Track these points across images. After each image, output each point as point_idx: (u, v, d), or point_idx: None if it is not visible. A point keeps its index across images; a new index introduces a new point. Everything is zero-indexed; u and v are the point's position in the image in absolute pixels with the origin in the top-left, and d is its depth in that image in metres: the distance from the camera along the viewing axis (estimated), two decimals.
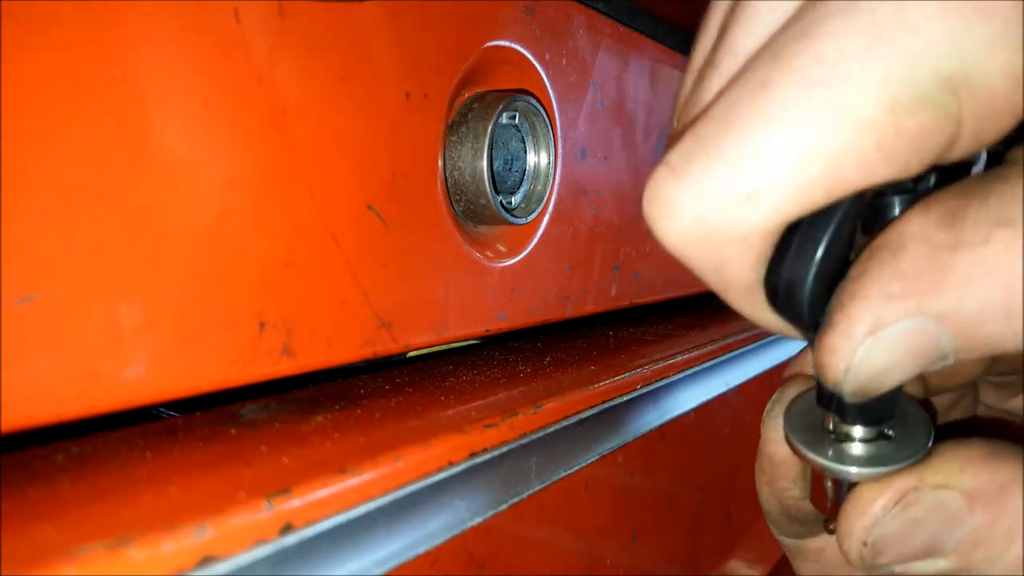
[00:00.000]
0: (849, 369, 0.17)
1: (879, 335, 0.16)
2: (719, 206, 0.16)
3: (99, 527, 0.20)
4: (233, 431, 0.28)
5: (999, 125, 0.16)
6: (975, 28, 0.14)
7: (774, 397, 0.26)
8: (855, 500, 0.20)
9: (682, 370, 0.49)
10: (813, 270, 0.17)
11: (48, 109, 0.20)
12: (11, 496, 0.21)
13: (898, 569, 0.20)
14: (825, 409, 0.22)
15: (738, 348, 0.58)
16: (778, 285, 0.18)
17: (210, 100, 0.24)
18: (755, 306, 0.19)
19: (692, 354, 0.50)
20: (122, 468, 0.24)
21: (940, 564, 0.20)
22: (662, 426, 0.47)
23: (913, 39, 0.14)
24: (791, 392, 0.25)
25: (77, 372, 0.22)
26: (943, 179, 0.18)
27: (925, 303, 0.16)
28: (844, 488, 0.22)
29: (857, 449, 0.21)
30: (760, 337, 0.62)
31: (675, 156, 0.17)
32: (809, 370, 0.27)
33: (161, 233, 0.23)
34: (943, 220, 0.16)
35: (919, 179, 0.18)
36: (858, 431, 0.21)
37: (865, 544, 0.20)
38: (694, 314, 0.65)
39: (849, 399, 0.18)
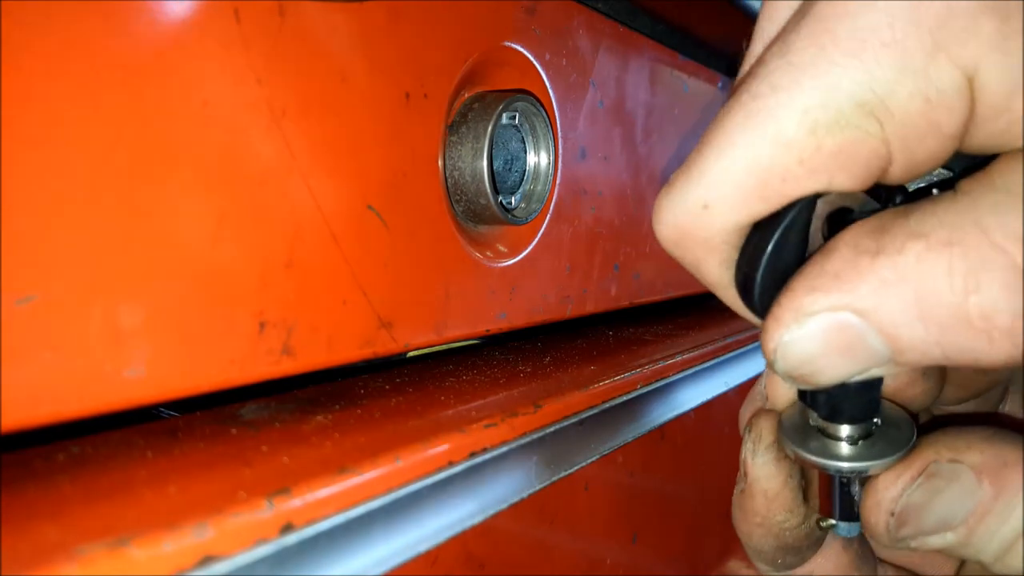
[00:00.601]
0: (776, 350, 0.19)
1: (802, 322, 0.18)
2: (686, 214, 0.20)
3: (99, 527, 0.20)
4: (233, 431, 0.28)
5: (927, 146, 0.18)
6: (882, 61, 0.17)
7: (751, 438, 0.26)
8: (883, 478, 0.22)
9: (682, 370, 0.49)
10: (763, 266, 0.20)
11: (48, 109, 0.20)
12: (11, 496, 0.21)
13: (913, 544, 0.22)
14: (808, 407, 0.23)
15: (738, 348, 0.58)
16: (739, 280, 0.21)
17: (210, 100, 0.24)
18: (733, 301, 0.22)
19: (692, 354, 0.50)
20: (122, 468, 0.24)
21: (948, 537, 0.21)
22: (662, 426, 0.47)
23: (830, 72, 0.18)
24: (766, 427, 0.26)
25: (77, 372, 0.22)
26: (908, 202, 0.20)
27: (842, 299, 0.18)
28: (859, 483, 0.23)
29: (863, 446, 0.23)
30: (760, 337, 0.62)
31: (673, 175, 0.20)
32: (760, 402, 0.28)
33: (161, 233, 0.23)
34: (873, 231, 0.18)
35: (887, 200, 0.20)
36: (848, 430, 0.23)
37: (892, 514, 0.22)
38: (694, 314, 0.65)
39: (787, 382, 0.20)
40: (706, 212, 0.19)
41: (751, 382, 0.60)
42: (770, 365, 0.20)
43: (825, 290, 0.18)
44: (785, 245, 0.20)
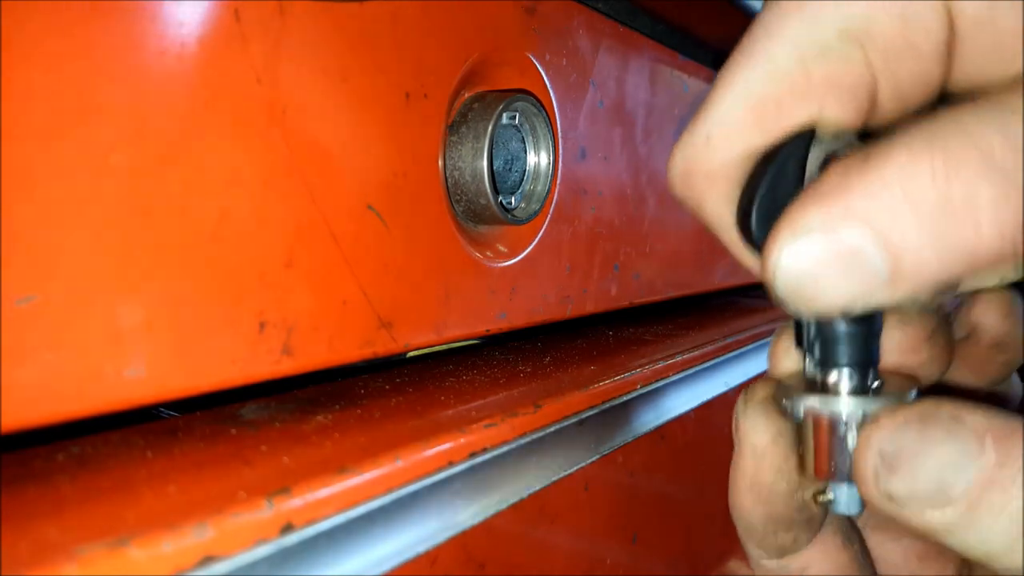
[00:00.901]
0: (775, 270, 0.19)
1: (799, 238, 0.19)
2: (691, 150, 0.21)
3: (99, 527, 0.20)
4: (233, 431, 0.28)
5: (909, 69, 0.20)
6: None
7: (743, 397, 0.26)
8: (877, 417, 0.21)
9: (682, 370, 0.49)
10: (760, 195, 0.21)
11: (48, 109, 0.20)
12: (11, 496, 0.22)
13: (907, 513, 0.20)
14: (807, 352, 0.23)
15: (738, 348, 0.58)
16: (738, 215, 0.21)
17: (210, 100, 0.24)
18: (734, 243, 0.22)
19: (692, 354, 0.50)
20: (122, 468, 0.24)
21: (948, 514, 0.20)
22: (662, 426, 0.47)
23: (815, 6, 0.19)
24: (759, 385, 0.26)
25: (77, 372, 0.22)
26: None
27: (836, 212, 0.18)
28: (853, 436, 0.22)
29: (861, 400, 0.22)
30: (760, 337, 0.62)
31: None
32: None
33: (161, 233, 0.23)
34: (862, 151, 0.19)
35: None
36: (846, 381, 0.22)
37: (881, 456, 0.20)
38: (694, 314, 0.65)
39: (789, 306, 0.20)
40: (708, 145, 0.21)
41: (751, 382, 0.60)
42: (770, 289, 0.20)
43: (819, 206, 0.18)
44: (782, 177, 0.20)
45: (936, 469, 0.20)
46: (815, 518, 0.27)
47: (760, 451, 0.25)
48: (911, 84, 0.20)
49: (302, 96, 0.27)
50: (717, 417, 0.59)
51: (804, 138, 0.20)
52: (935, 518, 0.20)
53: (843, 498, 0.23)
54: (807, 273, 0.19)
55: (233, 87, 0.25)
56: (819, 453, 0.23)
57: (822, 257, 0.18)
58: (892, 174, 0.18)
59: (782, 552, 0.27)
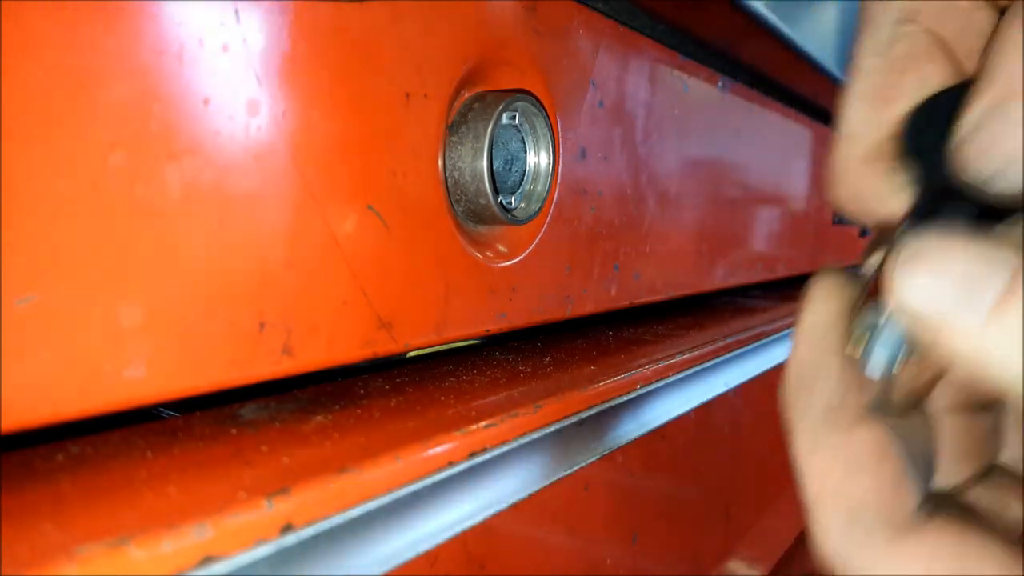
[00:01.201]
0: (972, 150, 0.21)
1: (984, 115, 0.21)
2: (839, 157, 0.25)
3: (99, 527, 0.20)
4: (233, 431, 0.28)
5: (961, 20, 0.23)
6: None
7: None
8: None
9: (682, 370, 0.49)
10: (927, 117, 0.23)
11: (48, 108, 0.20)
12: (11, 496, 0.22)
13: (930, 326, 0.20)
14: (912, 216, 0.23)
15: (738, 348, 0.58)
16: (908, 141, 0.23)
17: (210, 99, 0.24)
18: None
19: (692, 354, 0.50)
20: (122, 468, 0.24)
21: (974, 329, 0.19)
22: (662, 426, 0.47)
23: (874, 14, 0.25)
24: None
25: (77, 372, 0.22)
26: None
27: (996, 92, 0.21)
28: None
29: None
30: (760, 337, 0.62)
31: None
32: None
33: (161, 233, 0.23)
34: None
35: None
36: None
37: (908, 251, 0.20)
38: (694, 314, 0.65)
39: (979, 175, 0.21)
40: (852, 140, 0.24)
41: (751, 382, 0.60)
42: (971, 180, 0.21)
43: (978, 96, 0.21)
44: (940, 107, 0.22)
45: (960, 274, 0.19)
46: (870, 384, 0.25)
47: (824, 295, 0.25)
48: (972, 33, 0.24)
49: (302, 96, 0.27)
50: (717, 417, 0.59)
51: (945, 89, 0.23)
52: (962, 334, 0.19)
53: (877, 346, 0.22)
54: (994, 146, 0.21)
55: (233, 87, 0.25)
56: (869, 284, 0.23)
57: (996, 127, 0.20)
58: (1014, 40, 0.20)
59: (834, 426, 0.24)
